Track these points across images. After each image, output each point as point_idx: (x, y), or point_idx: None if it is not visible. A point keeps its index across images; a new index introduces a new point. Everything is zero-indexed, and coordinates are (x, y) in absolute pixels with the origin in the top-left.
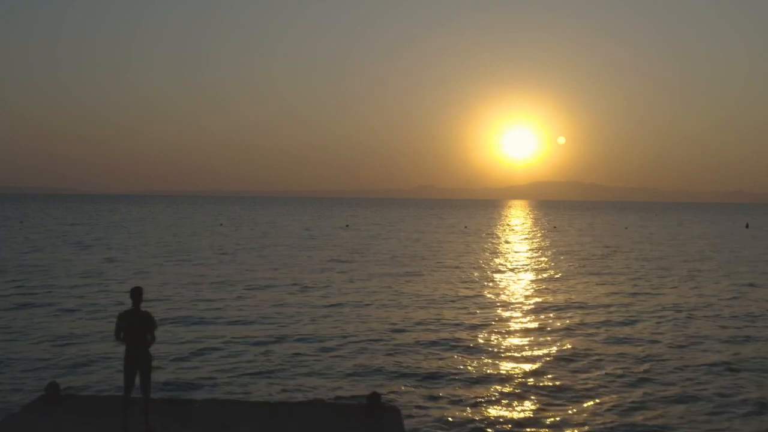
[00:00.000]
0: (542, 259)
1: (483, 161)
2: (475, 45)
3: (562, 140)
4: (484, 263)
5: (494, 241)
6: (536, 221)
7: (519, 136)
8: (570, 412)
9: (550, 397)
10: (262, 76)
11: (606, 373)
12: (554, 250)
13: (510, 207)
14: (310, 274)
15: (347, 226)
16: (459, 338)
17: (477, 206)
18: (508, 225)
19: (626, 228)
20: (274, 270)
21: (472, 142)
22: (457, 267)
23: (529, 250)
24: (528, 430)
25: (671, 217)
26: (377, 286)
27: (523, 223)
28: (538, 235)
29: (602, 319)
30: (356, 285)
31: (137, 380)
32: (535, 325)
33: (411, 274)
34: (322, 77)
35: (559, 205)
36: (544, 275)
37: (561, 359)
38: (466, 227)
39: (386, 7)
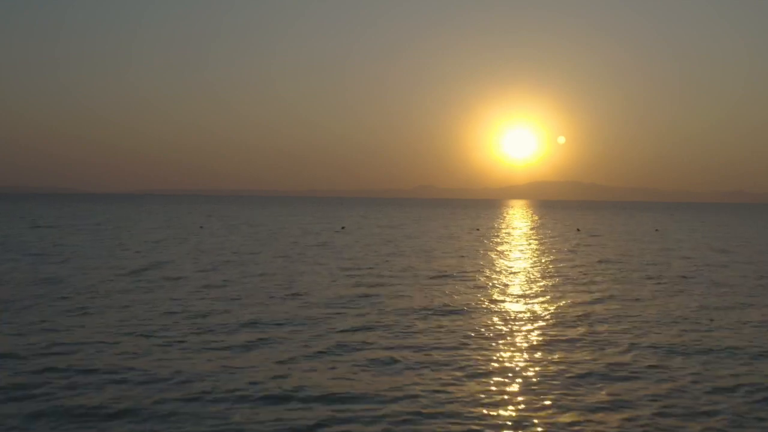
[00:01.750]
0: (673, 293)
1: (483, 161)
2: (475, 45)
3: (562, 140)
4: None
5: (536, 250)
6: (556, 223)
7: (519, 136)
8: None
9: None
10: (262, 76)
11: None
12: (657, 274)
13: (512, 207)
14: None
15: (343, 228)
16: None
17: (478, 206)
18: (542, 228)
19: (657, 230)
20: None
21: (472, 142)
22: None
23: (613, 270)
24: None
25: (689, 218)
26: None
27: (545, 225)
28: (590, 244)
29: None
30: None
31: None
32: None
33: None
34: (322, 77)
35: (561, 205)
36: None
37: None
38: (477, 229)
39: (386, 7)
